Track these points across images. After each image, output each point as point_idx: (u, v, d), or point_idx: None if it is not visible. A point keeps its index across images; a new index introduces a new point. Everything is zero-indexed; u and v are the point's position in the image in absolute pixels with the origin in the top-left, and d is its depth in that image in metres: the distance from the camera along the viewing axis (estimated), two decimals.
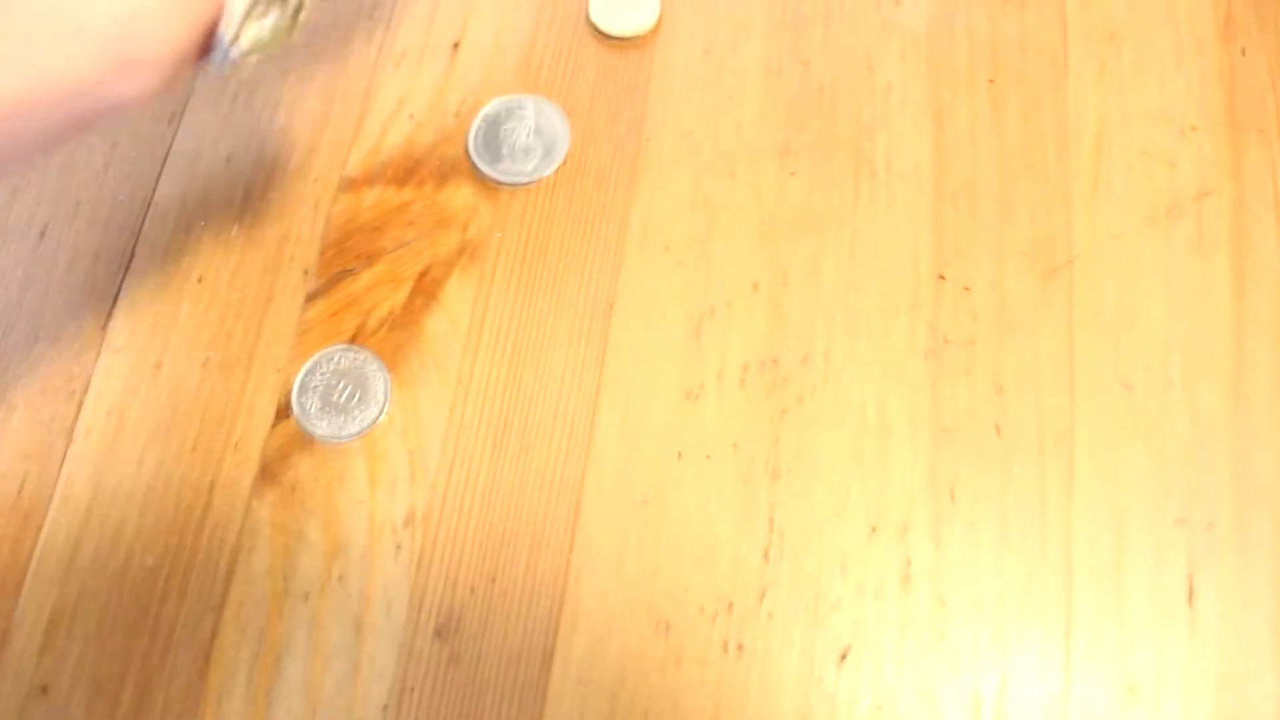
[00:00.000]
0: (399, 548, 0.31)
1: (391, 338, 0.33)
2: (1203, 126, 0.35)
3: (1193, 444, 0.31)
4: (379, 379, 0.32)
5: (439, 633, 0.30)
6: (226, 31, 0.24)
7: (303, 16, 0.26)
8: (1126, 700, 0.29)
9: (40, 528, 0.32)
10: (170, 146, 0.36)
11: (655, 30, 0.37)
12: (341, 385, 0.32)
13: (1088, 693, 0.29)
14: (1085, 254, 0.33)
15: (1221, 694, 0.29)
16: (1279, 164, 0.34)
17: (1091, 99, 0.35)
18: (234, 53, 0.24)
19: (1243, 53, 0.36)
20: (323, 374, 0.32)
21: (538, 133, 0.35)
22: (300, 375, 0.32)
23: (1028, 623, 0.30)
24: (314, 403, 0.32)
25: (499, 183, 0.35)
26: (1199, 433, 0.31)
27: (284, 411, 0.32)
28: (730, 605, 0.30)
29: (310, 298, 0.34)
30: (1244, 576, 0.30)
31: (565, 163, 0.35)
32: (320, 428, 0.32)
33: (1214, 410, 0.32)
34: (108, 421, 0.33)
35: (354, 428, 0.32)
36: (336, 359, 0.33)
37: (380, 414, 0.32)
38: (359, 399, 0.32)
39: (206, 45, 0.24)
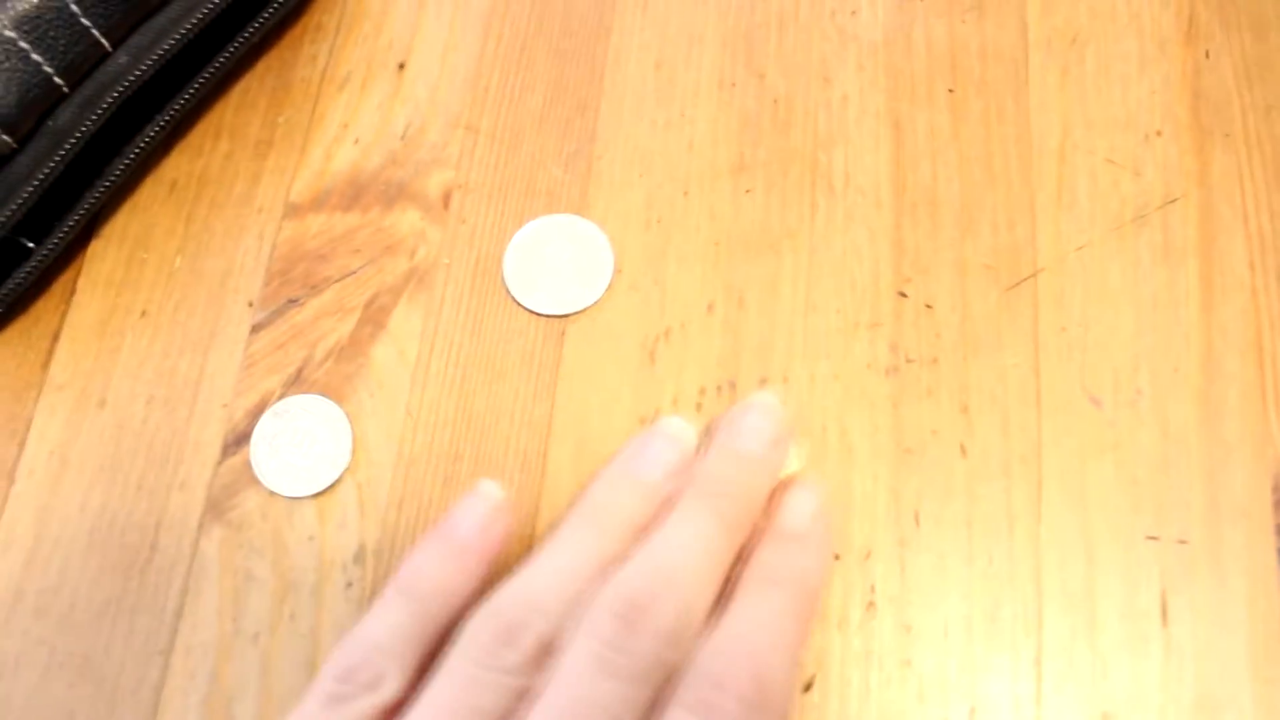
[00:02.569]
0: (350, 584, 0.30)
1: (339, 369, 0.32)
2: (1167, 131, 0.34)
3: (1163, 459, 0.30)
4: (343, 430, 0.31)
5: None
6: None
7: None
8: None
9: None
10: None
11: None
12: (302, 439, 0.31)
13: (1060, 719, 0.28)
14: (1050, 266, 0.33)
15: (1198, 716, 0.28)
16: (1245, 168, 0.33)
17: (1054, 106, 0.34)
18: None
19: (1206, 55, 0.35)
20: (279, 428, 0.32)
21: None
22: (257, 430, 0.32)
23: (997, 649, 0.29)
24: (273, 464, 0.31)
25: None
26: (1169, 447, 0.31)
27: (230, 448, 0.32)
28: None
29: (255, 330, 0.33)
30: (1219, 594, 0.29)
31: (516, 182, 0.34)
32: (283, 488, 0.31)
33: (1184, 424, 0.31)
34: (50, 462, 0.32)
35: (319, 486, 0.31)
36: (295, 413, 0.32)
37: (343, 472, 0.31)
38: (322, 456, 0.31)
39: None
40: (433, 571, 0.26)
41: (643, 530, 0.26)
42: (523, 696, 0.23)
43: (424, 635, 0.25)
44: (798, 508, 0.27)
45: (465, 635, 0.24)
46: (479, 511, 0.27)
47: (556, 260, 0.33)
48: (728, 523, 0.26)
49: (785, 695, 0.24)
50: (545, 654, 0.24)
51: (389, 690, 0.24)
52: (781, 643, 0.24)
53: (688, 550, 0.25)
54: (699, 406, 0.31)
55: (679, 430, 0.28)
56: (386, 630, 0.25)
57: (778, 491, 0.28)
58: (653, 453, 0.28)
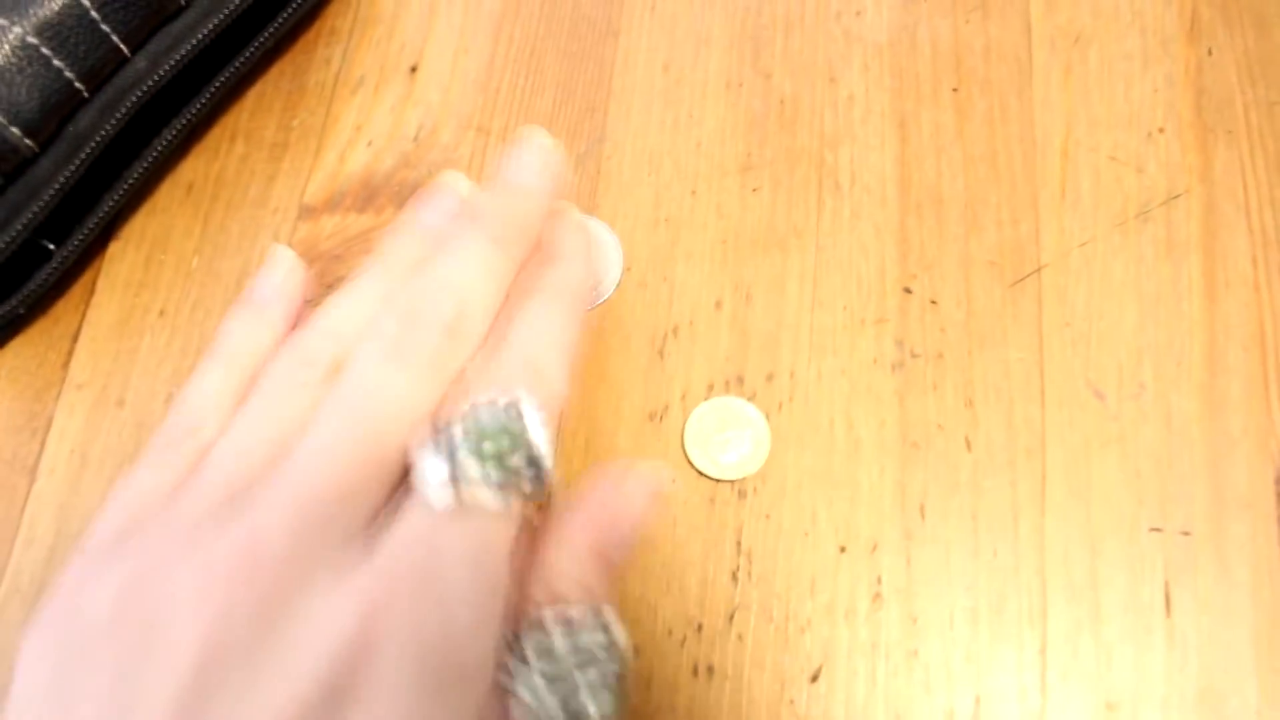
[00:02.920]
0: None
1: None
2: (1170, 129, 0.34)
3: (1166, 452, 0.31)
4: None
5: None
6: None
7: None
8: (1105, 717, 0.29)
9: (4, 568, 0.31)
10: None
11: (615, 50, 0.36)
12: None
13: (1065, 710, 0.29)
14: (1054, 262, 0.33)
15: (1202, 707, 0.28)
16: (1248, 165, 0.34)
17: (1057, 104, 0.35)
18: None
19: (1209, 53, 0.35)
20: None
21: None
22: None
23: (1002, 640, 0.29)
24: None
25: None
26: (1173, 440, 0.31)
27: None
28: (699, 627, 0.30)
29: None
30: (1222, 585, 0.30)
31: None
32: None
33: (1187, 417, 0.31)
34: (70, 460, 0.32)
35: None
36: None
37: None
38: None
39: None
40: (238, 331, 0.27)
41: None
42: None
43: (239, 388, 0.26)
44: (552, 231, 0.28)
45: (267, 369, 0.25)
46: (276, 275, 0.28)
47: None
48: (498, 240, 0.27)
49: (557, 376, 0.25)
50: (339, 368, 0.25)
51: (208, 432, 0.25)
52: (547, 333, 0.26)
53: (460, 263, 0.26)
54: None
55: (457, 179, 0.29)
56: (201, 391, 0.26)
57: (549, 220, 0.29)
58: (433, 201, 0.29)
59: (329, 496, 0.22)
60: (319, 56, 0.37)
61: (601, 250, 0.33)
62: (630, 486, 0.25)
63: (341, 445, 0.23)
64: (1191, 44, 0.35)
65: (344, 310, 0.26)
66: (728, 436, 0.31)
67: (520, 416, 0.23)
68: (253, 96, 0.37)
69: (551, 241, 0.28)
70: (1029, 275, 0.33)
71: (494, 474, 0.22)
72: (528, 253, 0.28)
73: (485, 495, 0.22)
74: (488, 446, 0.22)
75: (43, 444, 0.33)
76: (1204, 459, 0.31)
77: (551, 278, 0.27)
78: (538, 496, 0.23)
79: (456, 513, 0.22)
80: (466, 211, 0.28)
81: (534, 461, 0.23)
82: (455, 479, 0.22)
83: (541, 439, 0.23)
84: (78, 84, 0.31)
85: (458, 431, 0.22)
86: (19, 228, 0.31)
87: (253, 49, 0.35)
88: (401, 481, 0.23)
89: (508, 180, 0.29)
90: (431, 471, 0.22)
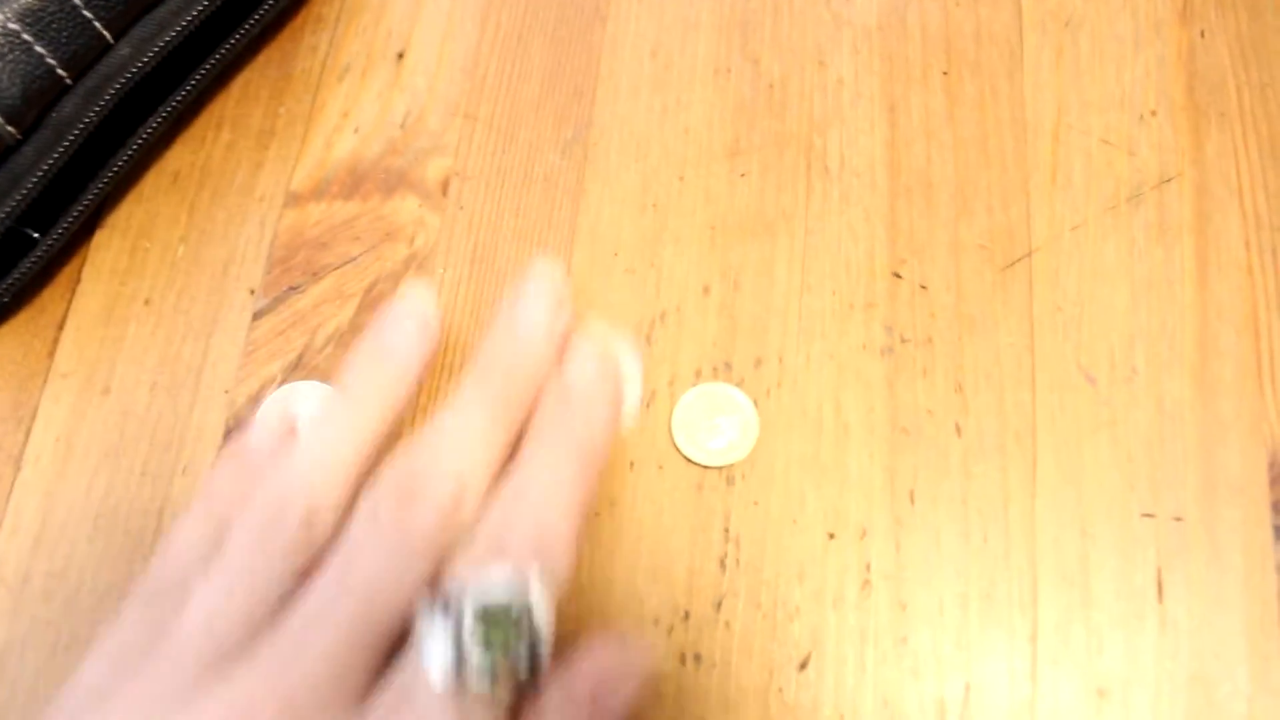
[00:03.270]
0: None
1: (340, 355, 0.32)
2: (1162, 111, 0.34)
3: (1158, 436, 0.31)
4: None
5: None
6: None
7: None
8: (1096, 703, 0.28)
9: None
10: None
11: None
12: None
13: (1056, 696, 0.28)
14: (1045, 246, 0.33)
15: (1193, 692, 0.28)
16: (1241, 147, 0.33)
17: (1048, 87, 0.35)
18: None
19: (1202, 35, 0.35)
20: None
21: None
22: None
23: (992, 627, 0.29)
24: None
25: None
26: (1165, 424, 0.31)
27: (233, 433, 0.32)
28: (687, 615, 0.29)
29: (257, 316, 0.33)
30: (1214, 570, 0.29)
31: (513, 169, 0.35)
32: None
33: (1180, 401, 0.31)
34: (56, 448, 0.32)
35: None
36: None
37: None
38: None
39: None
40: (224, 482, 0.27)
41: (402, 409, 0.27)
42: (298, 577, 0.24)
43: (222, 539, 0.25)
44: (578, 366, 0.28)
45: (247, 521, 0.25)
46: (266, 430, 0.28)
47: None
48: (501, 400, 0.26)
49: (565, 549, 0.25)
50: (317, 531, 0.25)
51: (193, 586, 0.24)
52: (559, 498, 0.25)
53: (460, 435, 0.26)
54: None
55: (422, 299, 0.29)
56: (185, 540, 0.26)
57: (565, 349, 0.28)
58: (393, 327, 0.28)
59: (323, 673, 0.22)
60: (305, 43, 0.37)
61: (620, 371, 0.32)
62: (625, 660, 0.25)
63: (337, 624, 0.23)
64: (1184, 26, 0.35)
65: (317, 455, 0.26)
66: (716, 423, 0.31)
67: (528, 598, 0.23)
68: (239, 84, 0.36)
69: (573, 382, 0.27)
70: (1020, 259, 0.32)
71: (497, 663, 0.22)
72: (533, 400, 0.27)
73: (485, 684, 0.22)
74: (494, 634, 0.22)
75: (28, 433, 0.32)
76: (1196, 444, 0.30)
77: (570, 426, 0.27)
78: (531, 688, 0.23)
79: (456, 696, 0.22)
80: (474, 363, 0.27)
81: (535, 648, 0.23)
82: (460, 664, 0.22)
83: (545, 623, 0.23)
84: (60, 71, 0.31)
85: (466, 611, 0.22)
86: (1, 216, 0.31)
87: (238, 36, 0.35)
88: (400, 641, 0.23)
89: (510, 326, 0.28)
90: (436, 654, 0.22)
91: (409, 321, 0.28)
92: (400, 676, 0.23)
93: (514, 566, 0.23)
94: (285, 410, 0.29)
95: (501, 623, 0.22)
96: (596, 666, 0.24)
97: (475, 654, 0.22)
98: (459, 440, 0.26)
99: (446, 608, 0.22)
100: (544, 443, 0.26)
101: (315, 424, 0.26)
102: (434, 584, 0.24)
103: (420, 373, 0.28)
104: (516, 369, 0.27)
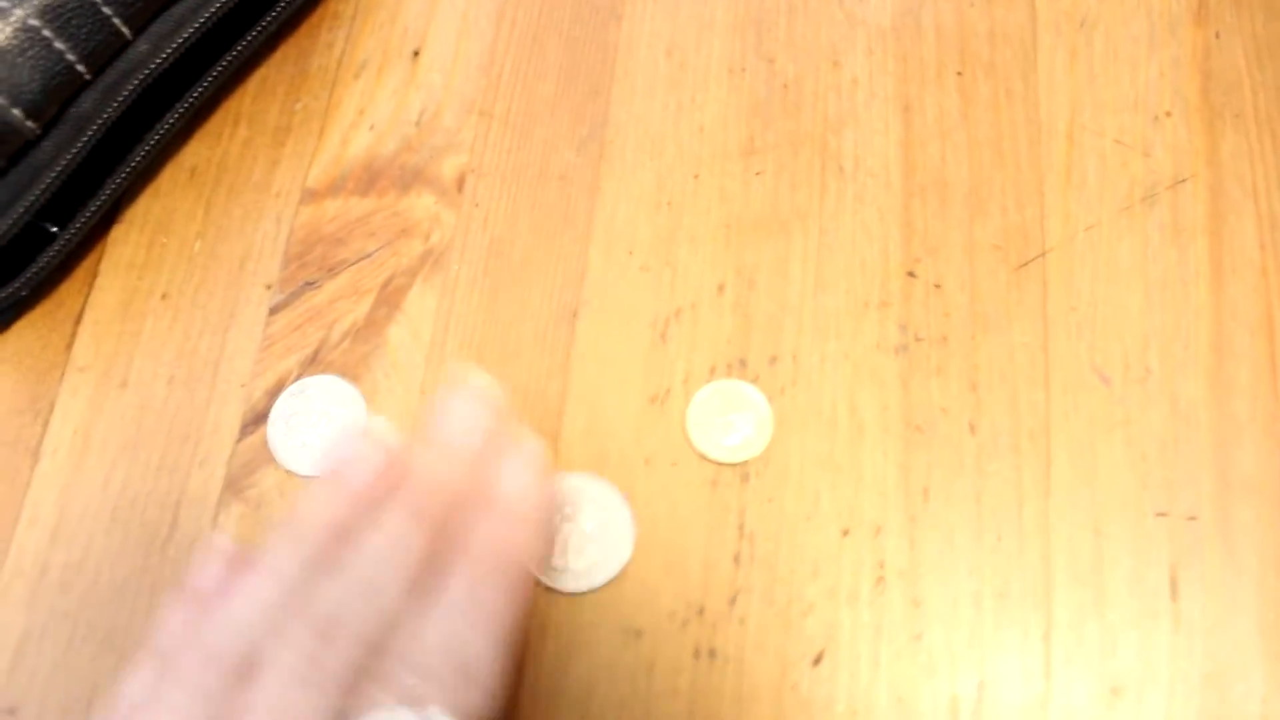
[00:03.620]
0: None
1: (355, 350, 0.33)
2: (1177, 112, 0.34)
3: (1172, 436, 0.31)
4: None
5: None
6: None
7: None
8: (1109, 701, 0.28)
9: (8, 549, 0.31)
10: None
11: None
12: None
13: (1069, 695, 0.28)
14: (1059, 246, 0.33)
15: (1207, 692, 0.28)
16: (1255, 149, 0.33)
17: (1063, 88, 0.35)
18: None
19: (1216, 36, 0.35)
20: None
21: None
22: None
23: (1006, 624, 0.29)
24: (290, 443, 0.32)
25: None
26: (1179, 424, 0.31)
27: (249, 427, 0.32)
28: (701, 611, 0.29)
29: (273, 311, 0.33)
30: (1228, 570, 0.29)
31: (529, 167, 0.35)
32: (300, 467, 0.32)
33: (1194, 401, 0.31)
34: (74, 441, 0.32)
35: None
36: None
37: None
38: None
39: None
40: (173, 624, 0.27)
41: (351, 534, 0.27)
42: (235, 708, 0.24)
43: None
44: (511, 480, 0.28)
45: (180, 668, 0.25)
46: (213, 568, 0.28)
47: None
48: (433, 523, 0.26)
49: (489, 669, 0.25)
50: (253, 666, 0.24)
51: None
52: (486, 622, 0.25)
53: (388, 558, 0.26)
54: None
55: (385, 431, 0.29)
56: (134, 686, 0.26)
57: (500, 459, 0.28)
58: (358, 457, 0.28)
59: None
60: (322, 41, 0.37)
61: (611, 519, 0.31)
62: None
63: None
64: (1199, 27, 0.35)
65: (253, 593, 0.26)
66: (730, 419, 0.31)
67: None
68: (255, 81, 0.37)
69: (506, 493, 0.27)
70: (1034, 259, 0.33)
71: None
72: (462, 514, 0.27)
73: None
74: None
75: (46, 426, 0.33)
76: (1210, 443, 0.30)
77: (498, 544, 0.27)
78: None
79: None
80: (403, 482, 0.27)
81: None
82: None
83: None
84: (80, 67, 0.31)
85: None
86: (21, 210, 0.31)
87: (255, 33, 0.35)
88: None
89: (442, 442, 0.28)
90: None
91: (368, 448, 0.28)
92: None
93: (422, 703, 0.23)
94: (233, 547, 0.29)
95: None
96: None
97: None
98: (385, 564, 0.26)
99: None
100: (472, 557, 0.26)
101: (261, 559, 0.27)
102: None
103: (374, 498, 0.28)
104: (444, 486, 0.27)
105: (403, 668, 0.24)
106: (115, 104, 0.32)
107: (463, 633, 0.25)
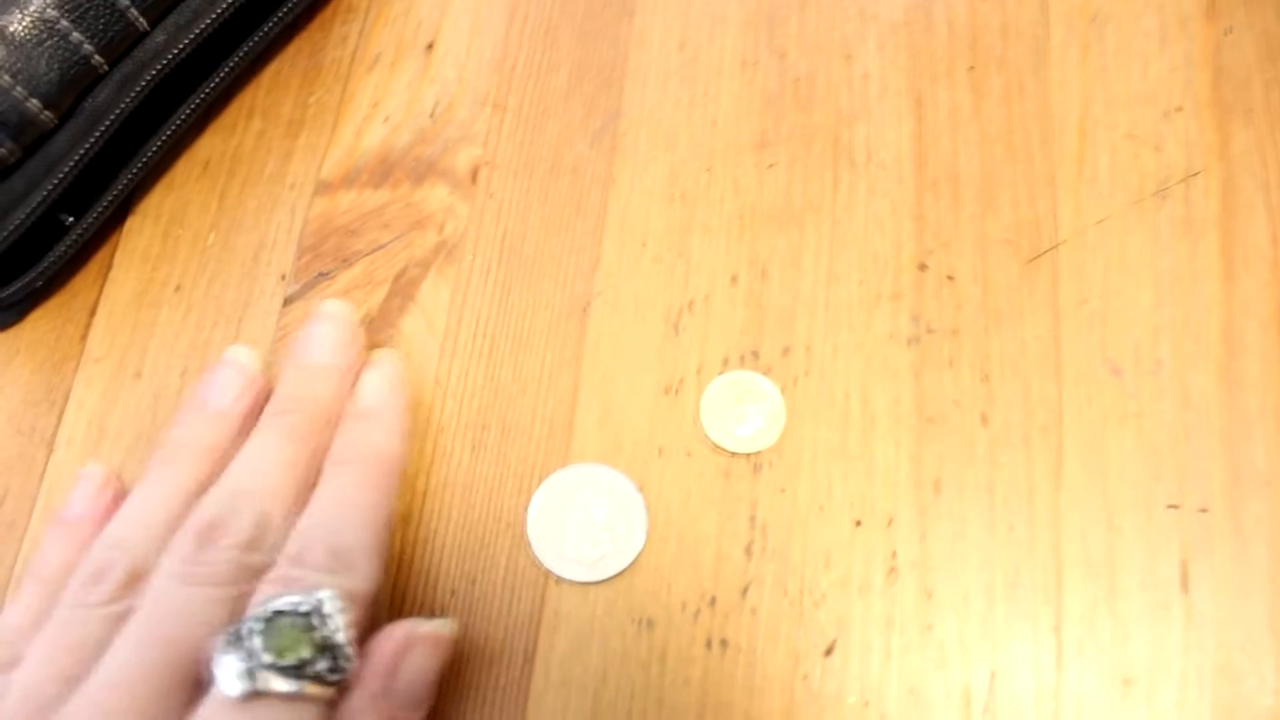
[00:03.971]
0: None
1: (369, 340, 0.33)
2: (1188, 108, 0.34)
3: (1184, 429, 0.31)
4: None
5: None
6: None
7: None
8: (1121, 692, 0.28)
9: (22, 538, 0.31)
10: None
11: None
12: None
13: (1081, 686, 0.28)
14: (1070, 239, 0.33)
15: (1219, 685, 0.28)
16: (1267, 144, 0.33)
17: (1074, 83, 0.35)
18: None
19: (1228, 32, 0.35)
20: None
21: None
22: None
23: (1017, 615, 0.29)
24: None
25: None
26: (1190, 417, 0.31)
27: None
28: (713, 601, 0.30)
29: (287, 302, 0.33)
30: (1240, 562, 0.29)
31: (542, 159, 0.35)
32: None
33: (1205, 394, 0.31)
34: (88, 431, 0.33)
35: None
36: None
37: None
38: None
39: None
40: (50, 551, 0.28)
41: (222, 454, 0.29)
42: (118, 623, 0.25)
43: (51, 607, 0.27)
44: (366, 387, 0.30)
45: (65, 588, 0.26)
46: (86, 490, 0.30)
47: None
48: (300, 434, 0.28)
49: (365, 555, 0.26)
50: (136, 582, 0.26)
51: (17, 654, 0.26)
52: (354, 513, 0.27)
53: (260, 468, 0.27)
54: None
55: (243, 356, 0.31)
56: (16, 612, 0.27)
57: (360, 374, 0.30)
58: (219, 381, 0.30)
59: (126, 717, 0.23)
60: (336, 34, 0.37)
61: (624, 509, 0.31)
62: (422, 631, 0.26)
63: (139, 669, 0.23)
64: (1210, 23, 0.35)
65: (136, 514, 0.27)
66: (743, 410, 0.31)
67: (322, 617, 0.24)
68: (269, 74, 0.37)
69: (357, 399, 0.29)
70: (1045, 252, 0.33)
71: (290, 670, 0.23)
72: (331, 430, 0.29)
73: (279, 683, 0.23)
74: (285, 646, 0.23)
75: (60, 416, 0.33)
76: (1221, 436, 0.31)
77: (359, 444, 0.28)
78: (338, 683, 0.24)
79: (252, 700, 0.23)
80: (270, 400, 0.29)
81: (333, 653, 0.23)
82: (250, 671, 0.23)
83: (339, 627, 0.24)
84: (96, 58, 0.32)
85: (255, 639, 0.23)
86: (37, 201, 0.31)
87: (270, 25, 0.35)
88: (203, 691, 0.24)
89: (303, 362, 0.30)
90: (227, 667, 0.23)
91: (229, 372, 0.30)
92: (201, 705, 0.23)
93: (305, 588, 0.24)
94: (105, 474, 0.30)
95: (289, 634, 0.23)
96: (393, 639, 0.26)
97: (264, 657, 0.23)
98: (257, 472, 0.27)
99: (238, 634, 0.23)
100: (336, 460, 0.28)
101: (137, 487, 0.28)
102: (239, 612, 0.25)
103: (241, 422, 0.29)
104: (310, 403, 0.29)
105: (284, 561, 0.25)
106: (131, 96, 0.32)
107: (333, 523, 0.26)
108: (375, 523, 0.27)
